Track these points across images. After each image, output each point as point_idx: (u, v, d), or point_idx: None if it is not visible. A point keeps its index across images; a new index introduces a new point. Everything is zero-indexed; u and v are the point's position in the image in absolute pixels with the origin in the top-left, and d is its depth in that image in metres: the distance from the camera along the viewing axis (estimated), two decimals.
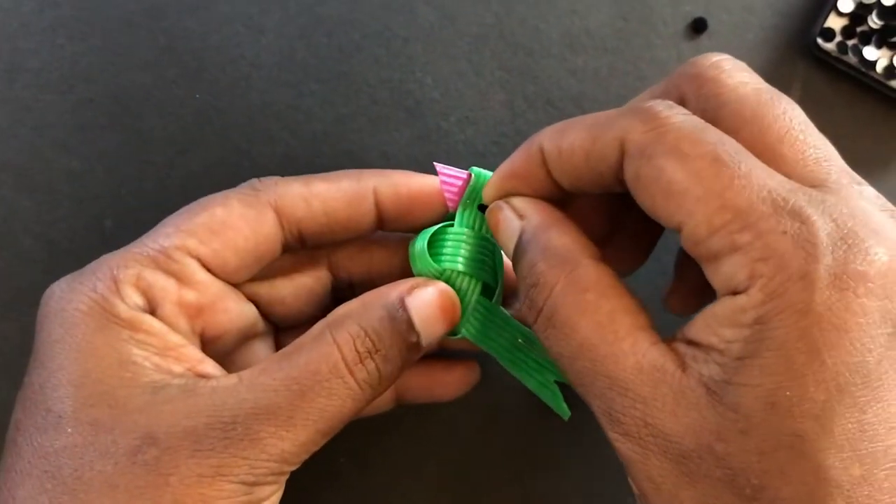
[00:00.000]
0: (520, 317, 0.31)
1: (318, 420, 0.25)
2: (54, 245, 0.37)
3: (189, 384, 0.25)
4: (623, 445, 0.23)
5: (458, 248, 0.29)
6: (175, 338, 0.27)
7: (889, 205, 0.23)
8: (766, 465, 0.20)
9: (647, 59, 0.38)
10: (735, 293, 0.22)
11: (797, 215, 0.21)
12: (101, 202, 0.37)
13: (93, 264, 0.27)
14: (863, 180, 0.24)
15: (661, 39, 0.38)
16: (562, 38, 0.38)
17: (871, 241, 0.21)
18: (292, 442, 0.25)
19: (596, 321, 0.23)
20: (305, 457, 0.26)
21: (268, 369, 0.25)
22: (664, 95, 0.26)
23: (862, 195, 0.23)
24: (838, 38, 0.37)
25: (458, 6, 0.38)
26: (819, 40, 0.37)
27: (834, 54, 0.37)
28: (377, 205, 0.30)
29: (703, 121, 0.23)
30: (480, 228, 0.30)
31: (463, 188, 0.30)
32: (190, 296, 0.28)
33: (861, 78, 0.38)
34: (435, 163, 0.30)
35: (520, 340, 0.30)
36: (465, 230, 0.30)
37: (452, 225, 0.30)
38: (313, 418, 0.25)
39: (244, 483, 0.24)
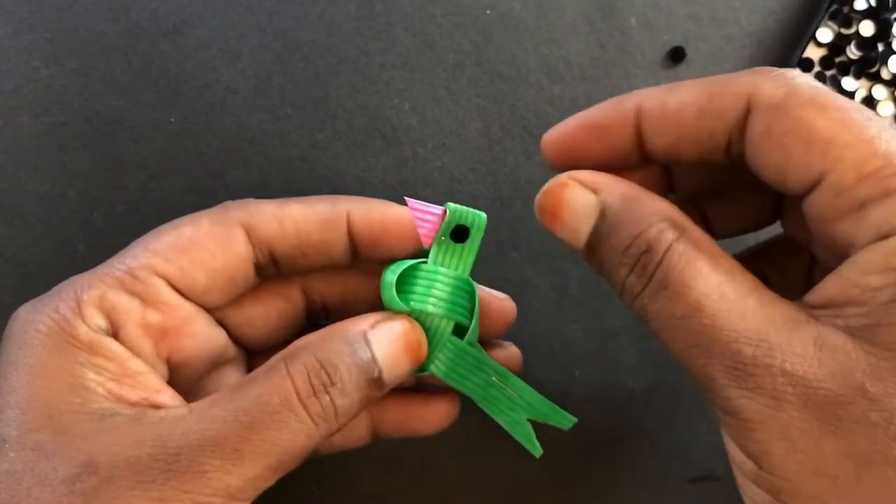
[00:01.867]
0: (499, 358, 0.31)
1: (267, 454, 0.24)
2: (25, 269, 0.37)
3: (138, 413, 0.25)
4: (752, 402, 0.21)
5: (429, 288, 0.29)
6: (136, 364, 0.26)
7: None
8: None
9: (625, 88, 0.38)
10: (884, 238, 0.21)
11: None
12: (74, 226, 0.37)
13: (60, 285, 0.27)
14: None
15: (638, 69, 0.38)
16: (539, 66, 0.38)
17: None
18: (239, 476, 0.24)
19: (716, 279, 0.22)
20: (254, 494, 0.25)
21: (219, 400, 0.25)
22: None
23: None
24: (817, 69, 0.37)
25: (435, 33, 0.38)
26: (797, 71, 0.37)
27: None
28: (351, 231, 0.29)
29: None
30: (457, 267, 0.29)
31: (437, 224, 0.29)
32: (154, 317, 0.27)
33: None
34: (406, 198, 0.29)
35: (493, 378, 0.30)
36: (439, 269, 0.29)
37: (426, 262, 0.29)
38: (262, 452, 0.24)
39: None
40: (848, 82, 0.37)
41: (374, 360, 0.26)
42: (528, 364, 0.33)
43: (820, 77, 0.37)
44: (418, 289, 0.29)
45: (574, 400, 0.37)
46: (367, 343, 0.26)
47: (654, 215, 0.24)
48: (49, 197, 0.37)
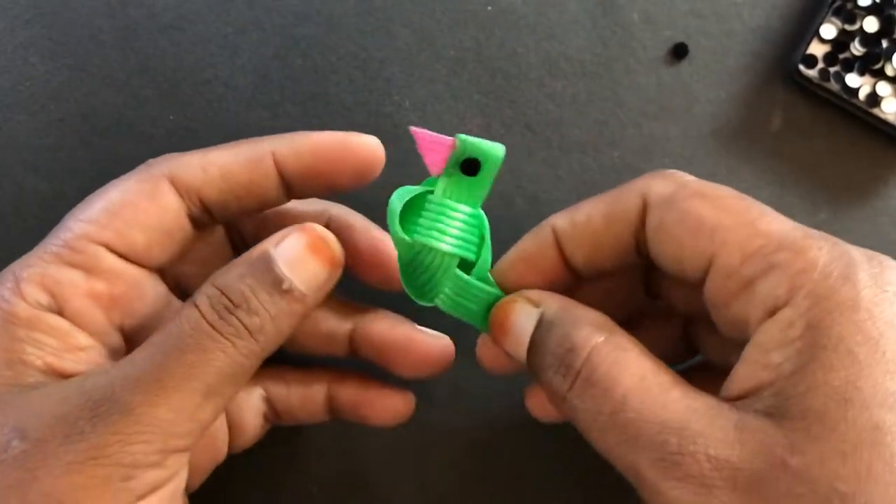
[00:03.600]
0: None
1: (189, 378, 0.24)
2: None
3: (67, 380, 0.25)
4: (683, 491, 0.21)
5: (435, 221, 0.27)
6: (80, 339, 0.26)
7: None
8: (852, 466, 0.20)
9: (627, 84, 0.38)
10: (774, 312, 0.22)
11: (827, 239, 0.23)
12: None
13: (1, 272, 0.27)
14: None
15: (640, 65, 0.38)
16: (540, 62, 0.38)
17: (891, 261, 0.23)
18: (167, 407, 0.24)
19: (640, 374, 0.23)
20: (193, 426, 0.25)
21: (140, 347, 0.25)
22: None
23: None
24: (820, 65, 0.37)
25: (436, 29, 0.38)
26: (801, 67, 0.37)
27: (816, 81, 0.37)
28: (280, 168, 0.29)
29: None
30: (466, 200, 0.28)
31: (446, 154, 0.27)
32: (100, 286, 0.27)
33: (843, 105, 0.37)
34: (411, 128, 0.28)
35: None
36: (446, 201, 0.28)
37: (433, 191, 0.28)
38: (183, 377, 0.24)
39: (121, 465, 0.23)
40: (852, 79, 0.37)
41: (278, 272, 0.26)
42: None
43: (823, 73, 0.37)
44: (424, 221, 0.28)
45: None
46: (270, 259, 0.26)
47: (583, 320, 0.25)
48: (46, 195, 0.37)
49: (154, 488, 0.24)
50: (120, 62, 0.37)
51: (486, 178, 0.28)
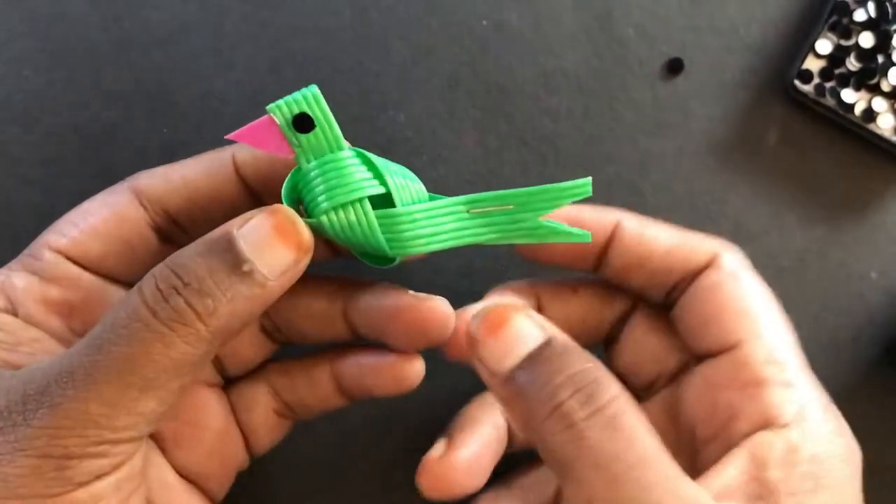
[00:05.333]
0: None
1: (121, 372, 0.23)
2: None
3: (17, 371, 0.24)
4: None
5: (314, 189, 0.26)
6: (32, 333, 0.26)
7: None
8: None
9: (623, 99, 0.38)
10: (774, 425, 0.25)
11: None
12: None
13: None
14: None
15: (636, 80, 0.38)
16: (536, 77, 0.38)
17: None
18: (98, 402, 0.23)
19: (655, 440, 0.24)
20: (131, 419, 0.23)
21: (82, 339, 0.24)
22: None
23: None
24: (816, 81, 0.37)
25: (432, 43, 0.38)
26: (797, 82, 0.37)
27: (812, 96, 0.37)
28: (240, 172, 0.29)
29: None
30: (331, 150, 0.26)
31: (277, 132, 0.26)
32: (54, 292, 0.27)
33: (839, 120, 0.37)
34: (226, 136, 0.26)
35: (467, 211, 0.27)
36: (310, 166, 0.26)
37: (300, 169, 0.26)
38: (115, 370, 0.23)
39: (50, 456, 0.22)
40: (847, 94, 0.37)
41: (239, 252, 0.24)
42: None
43: (819, 89, 0.37)
44: (307, 197, 0.26)
45: None
46: (232, 239, 0.24)
47: (601, 367, 0.25)
48: (39, 209, 0.37)
49: (97, 476, 0.23)
50: (114, 76, 0.37)
51: (325, 117, 0.26)
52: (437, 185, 0.37)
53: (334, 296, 0.31)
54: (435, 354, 0.30)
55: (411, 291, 0.30)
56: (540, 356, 0.25)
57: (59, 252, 0.28)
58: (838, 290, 0.38)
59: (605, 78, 0.38)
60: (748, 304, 0.28)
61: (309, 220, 0.26)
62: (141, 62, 0.37)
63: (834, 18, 0.37)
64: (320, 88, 0.37)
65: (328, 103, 0.37)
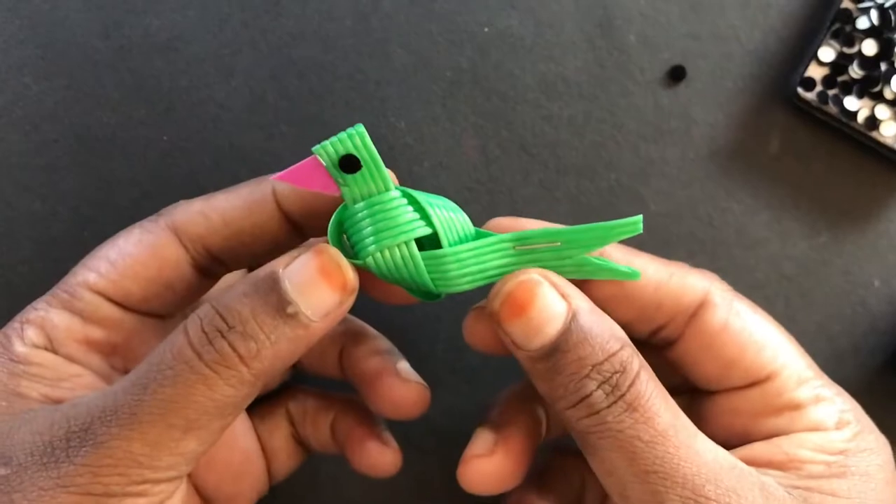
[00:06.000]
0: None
1: (165, 412, 0.23)
2: (16, 289, 0.36)
3: (59, 405, 0.25)
4: None
5: (362, 230, 0.26)
6: (73, 369, 0.27)
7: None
8: None
9: (624, 106, 0.38)
10: (818, 430, 0.27)
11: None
12: (64, 245, 0.37)
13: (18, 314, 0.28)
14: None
15: (638, 87, 0.38)
16: (537, 83, 0.38)
17: None
18: (141, 441, 0.23)
19: (674, 411, 0.25)
20: (173, 458, 0.24)
21: (126, 375, 0.24)
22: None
23: None
24: (819, 88, 0.37)
25: (432, 50, 0.38)
26: (799, 90, 0.37)
27: (815, 104, 0.37)
28: (282, 207, 0.28)
29: None
30: (378, 190, 0.26)
31: (323, 172, 0.26)
32: (97, 333, 0.28)
33: (842, 128, 0.37)
34: (272, 177, 0.27)
35: (513, 248, 0.26)
36: (359, 205, 0.26)
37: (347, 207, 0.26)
38: (159, 411, 0.23)
39: (91, 494, 0.23)
40: (850, 102, 0.37)
41: (284, 294, 0.24)
42: None
43: (822, 96, 0.37)
44: (355, 236, 0.26)
45: None
46: (277, 280, 0.24)
47: (622, 336, 0.25)
48: (39, 216, 0.37)
49: None
50: (114, 82, 0.37)
51: (371, 157, 0.26)
52: (438, 192, 0.37)
53: (337, 338, 0.31)
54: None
55: (400, 364, 0.30)
56: (566, 344, 0.24)
57: (100, 294, 0.28)
58: (841, 298, 0.38)
59: (607, 85, 0.38)
60: (762, 337, 0.28)
61: (355, 261, 0.26)
62: (141, 69, 0.37)
63: (837, 26, 0.37)
64: (320, 96, 0.37)
65: (329, 109, 0.37)
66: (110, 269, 0.28)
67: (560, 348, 0.25)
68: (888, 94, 0.36)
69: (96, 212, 0.37)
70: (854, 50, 0.37)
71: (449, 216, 0.27)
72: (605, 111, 0.38)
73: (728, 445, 0.26)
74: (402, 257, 0.26)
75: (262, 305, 0.24)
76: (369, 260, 0.26)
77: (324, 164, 0.25)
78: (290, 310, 0.24)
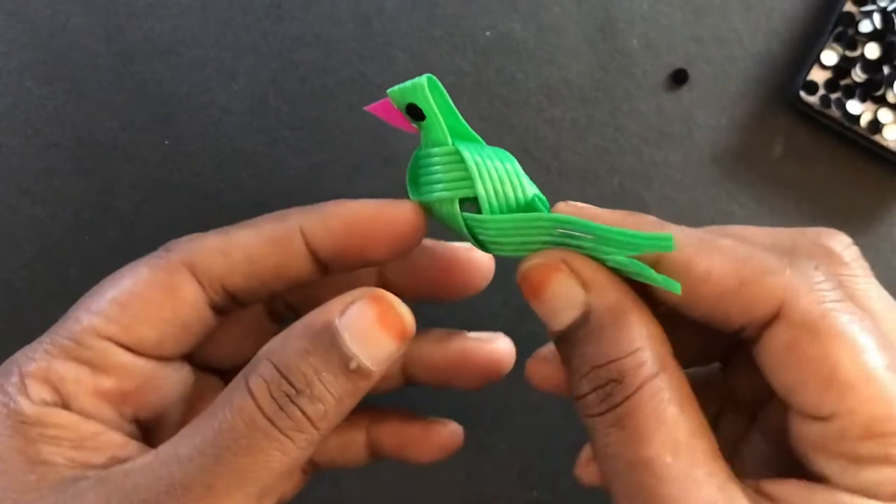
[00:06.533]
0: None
1: (243, 483, 0.22)
2: (17, 293, 0.36)
3: (103, 474, 0.23)
4: None
5: (425, 174, 0.26)
6: (91, 426, 0.25)
7: None
8: None
9: (627, 110, 0.38)
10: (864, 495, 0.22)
11: None
12: (66, 250, 0.36)
13: (5, 363, 0.25)
14: None
15: (640, 90, 0.38)
16: (540, 87, 0.38)
17: None
18: None
19: (674, 438, 0.22)
20: None
21: (184, 437, 0.23)
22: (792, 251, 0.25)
23: None
24: (821, 92, 0.37)
25: (434, 54, 0.38)
26: (802, 93, 0.37)
27: (817, 108, 0.37)
28: (310, 245, 0.27)
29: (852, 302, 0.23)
30: (442, 142, 0.26)
31: (397, 112, 0.26)
32: (108, 383, 0.25)
33: (844, 132, 0.37)
34: (365, 108, 0.27)
35: (558, 231, 0.25)
36: (423, 150, 0.26)
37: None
38: (237, 482, 0.22)
39: None
40: (853, 105, 0.37)
41: (346, 350, 0.23)
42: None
43: (825, 100, 0.37)
44: (421, 179, 0.27)
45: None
46: (336, 334, 0.23)
47: (638, 342, 0.23)
48: (40, 220, 0.37)
49: None
50: (116, 86, 0.37)
51: (432, 112, 0.25)
52: None
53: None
54: None
55: (469, 333, 0.30)
56: (574, 336, 0.24)
57: (111, 339, 0.25)
58: None
59: (609, 89, 0.38)
60: (832, 370, 0.22)
61: (420, 198, 0.27)
62: (143, 73, 0.37)
63: (839, 29, 0.37)
64: (323, 100, 0.37)
65: (332, 113, 0.37)
66: (120, 313, 0.25)
67: (568, 339, 0.24)
68: (891, 98, 0.36)
69: (97, 216, 0.37)
70: (857, 53, 0.37)
71: (499, 180, 0.26)
72: (607, 115, 0.38)
73: (783, 466, 0.24)
74: (448, 213, 0.26)
75: (325, 364, 0.23)
76: (420, 199, 0.26)
77: (394, 102, 0.26)
78: (352, 365, 0.23)
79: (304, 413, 0.23)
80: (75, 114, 0.37)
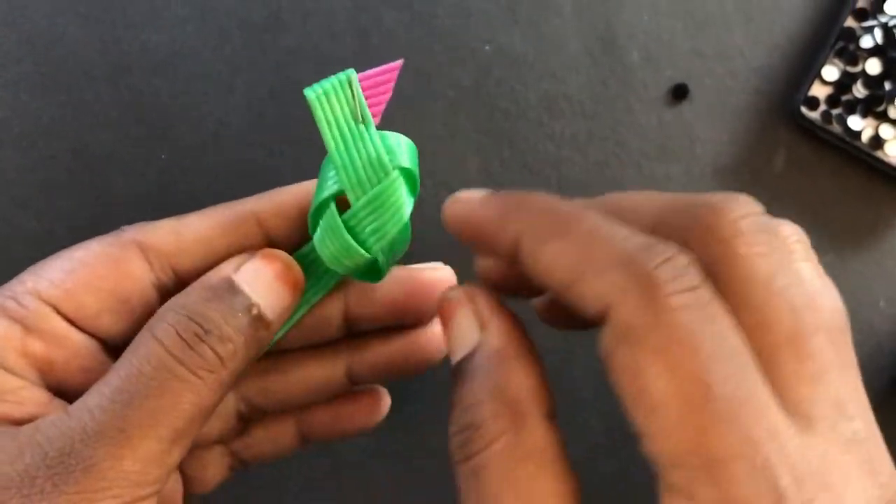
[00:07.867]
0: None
1: (155, 425, 0.22)
2: None
3: (15, 429, 0.23)
4: None
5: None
6: (13, 381, 0.24)
7: (865, 448, 0.20)
8: None
9: (627, 124, 0.37)
10: None
11: (764, 471, 0.18)
12: None
13: None
14: (853, 413, 0.20)
15: (641, 104, 0.37)
16: (539, 101, 0.37)
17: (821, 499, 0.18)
18: (132, 458, 0.22)
19: (526, 500, 0.20)
20: (163, 472, 0.23)
21: (93, 390, 0.23)
22: (667, 228, 0.22)
23: (838, 436, 0.20)
24: (823, 107, 0.37)
25: (434, 68, 0.37)
26: (803, 109, 0.37)
27: (818, 123, 0.37)
28: (264, 229, 0.27)
29: (709, 299, 0.19)
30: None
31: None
32: (37, 346, 0.25)
33: (846, 147, 0.37)
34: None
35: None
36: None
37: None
38: (149, 425, 0.22)
39: None
40: (854, 121, 0.36)
41: (246, 298, 0.25)
42: None
43: (826, 116, 0.36)
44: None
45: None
46: (234, 284, 0.25)
47: (503, 393, 0.21)
48: (35, 234, 0.36)
49: None
50: (112, 99, 0.37)
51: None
52: (440, 212, 0.37)
53: (335, 295, 0.30)
54: None
55: (408, 266, 0.30)
56: (459, 372, 0.23)
57: (49, 303, 0.25)
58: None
59: (610, 103, 0.37)
60: (643, 390, 0.19)
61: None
62: (139, 86, 0.37)
63: (840, 44, 0.37)
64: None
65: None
66: (64, 279, 0.25)
67: (456, 374, 0.23)
68: (892, 114, 0.36)
69: (94, 230, 0.36)
70: (858, 69, 0.37)
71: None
72: (607, 129, 0.37)
73: None
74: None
75: (229, 309, 0.24)
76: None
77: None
78: (255, 311, 0.25)
79: (214, 351, 0.24)
80: (71, 126, 0.37)
